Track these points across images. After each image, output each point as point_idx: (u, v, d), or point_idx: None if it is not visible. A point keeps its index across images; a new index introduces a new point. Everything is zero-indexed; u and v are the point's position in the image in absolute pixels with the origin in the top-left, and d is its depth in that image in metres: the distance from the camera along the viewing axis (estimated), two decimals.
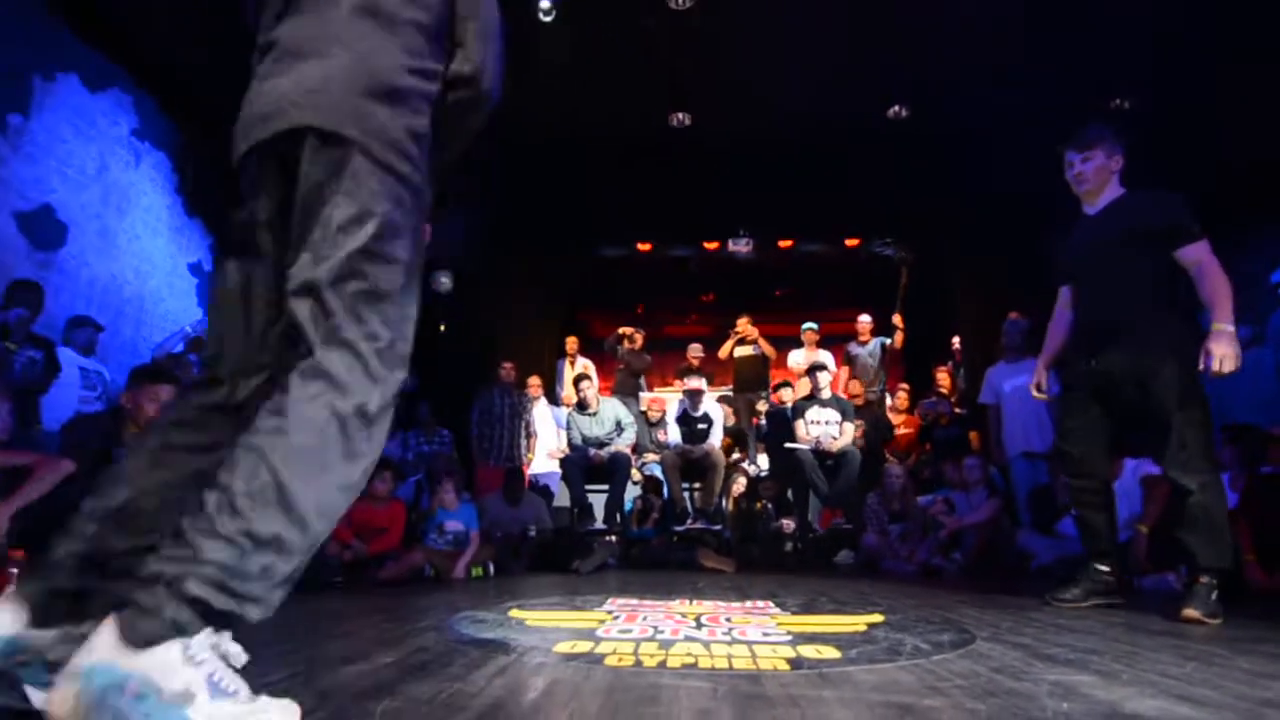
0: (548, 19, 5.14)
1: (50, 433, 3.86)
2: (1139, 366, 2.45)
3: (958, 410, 6.30)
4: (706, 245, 8.69)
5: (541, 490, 5.59)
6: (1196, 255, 2.43)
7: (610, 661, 1.57)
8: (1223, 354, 2.28)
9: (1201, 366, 2.32)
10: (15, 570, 2.18)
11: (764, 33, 5.44)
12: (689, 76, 5.98)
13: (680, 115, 6.54)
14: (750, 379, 7.45)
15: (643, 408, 7.15)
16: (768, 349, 7.43)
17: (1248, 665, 1.52)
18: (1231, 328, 2.31)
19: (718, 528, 5.06)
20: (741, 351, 7.49)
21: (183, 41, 5.67)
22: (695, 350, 7.38)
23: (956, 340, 7.28)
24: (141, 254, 5.89)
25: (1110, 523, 2.68)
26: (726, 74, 5.96)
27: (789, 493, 5.64)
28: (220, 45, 5.72)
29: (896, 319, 7.13)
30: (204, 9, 5.30)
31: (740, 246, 8.31)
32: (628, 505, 5.44)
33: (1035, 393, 3.00)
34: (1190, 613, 2.21)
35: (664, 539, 5.08)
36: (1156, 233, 2.49)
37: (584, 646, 1.75)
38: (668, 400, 6.60)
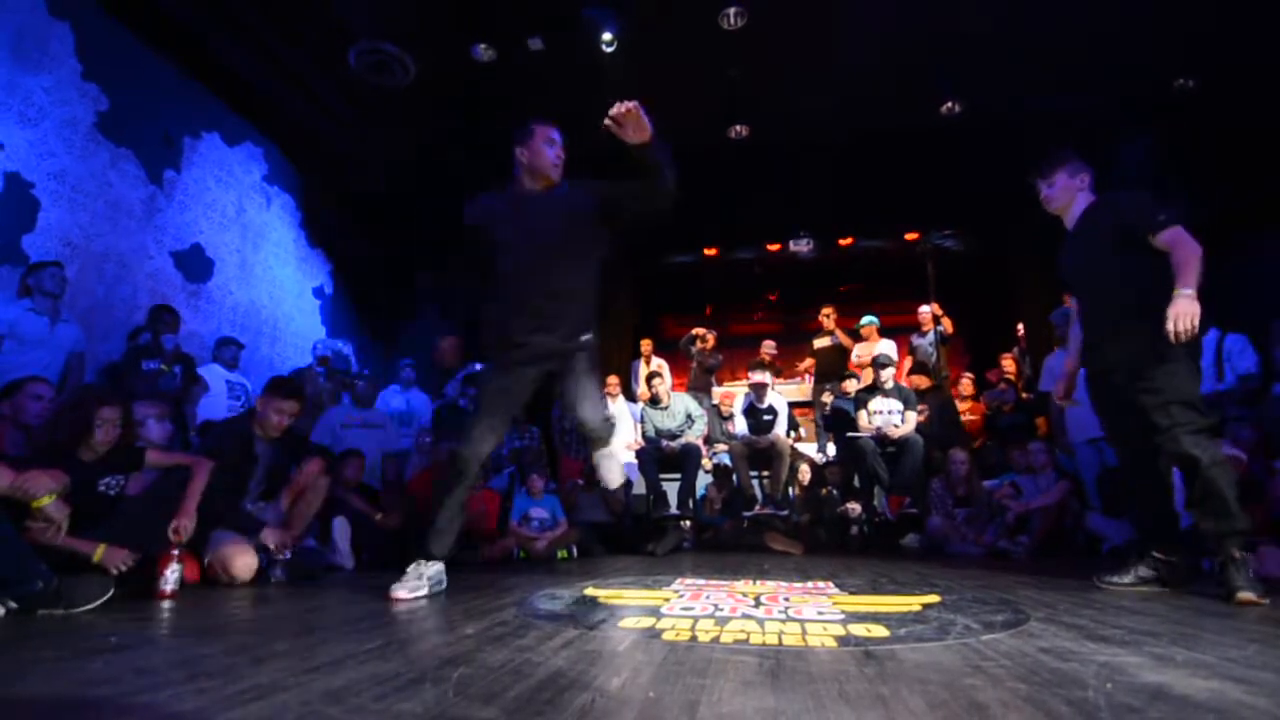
0: (610, 49, 5.19)
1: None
2: (1132, 362, 2.34)
3: (1024, 395, 5.94)
4: (769, 247, 8.55)
5: None
6: (1169, 238, 2.29)
7: (668, 636, 1.58)
8: (1177, 314, 2.13)
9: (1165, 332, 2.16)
10: (175, 551, 2.42)
11: (813, 41, 5.30)
12: (744, 90, 5.90)
13: (738, 127, 6.47)
14: (829, 369, 7.26)
15: (715, 402, 7.11)
16: (845, 340, 7.22)
17: None
18: (1190, 290, 2.15)
19: (785, 513, 4.96)
20: (820, 343, 7.33)
21: (301, 99, 6.09)
22: (768, 346, 7.26)
23: (1021, 327, 6.87)
24: (274, 281, 6.35)
25: (1164, 512, 2.47)
26: (779, 84, 5.85)
27: (855, 479, 5.47)
28: (331, 103, 6.12)
29: (935, 307, 6.78)
30: (318, 73, 5.69)
31: (801, 246, 8.13)
32: (700, 492, 5.42)
33: (1058, 400, 2.88)
34: (1245, 596, 2.01)
35: (734, 524, 5.04)
36: (1125, 228, 2.39)
37: (647, 622, 1.76)
38: (737, 394, 6.54)
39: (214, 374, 4.76)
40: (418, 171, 7.36)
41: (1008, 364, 6.33)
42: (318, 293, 6.97)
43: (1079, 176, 2.64)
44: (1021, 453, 4.74)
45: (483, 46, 5.31)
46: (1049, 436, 5.11)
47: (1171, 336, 2.14)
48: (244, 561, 2.79)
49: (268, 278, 6.26)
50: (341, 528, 3.77)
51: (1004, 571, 3.23)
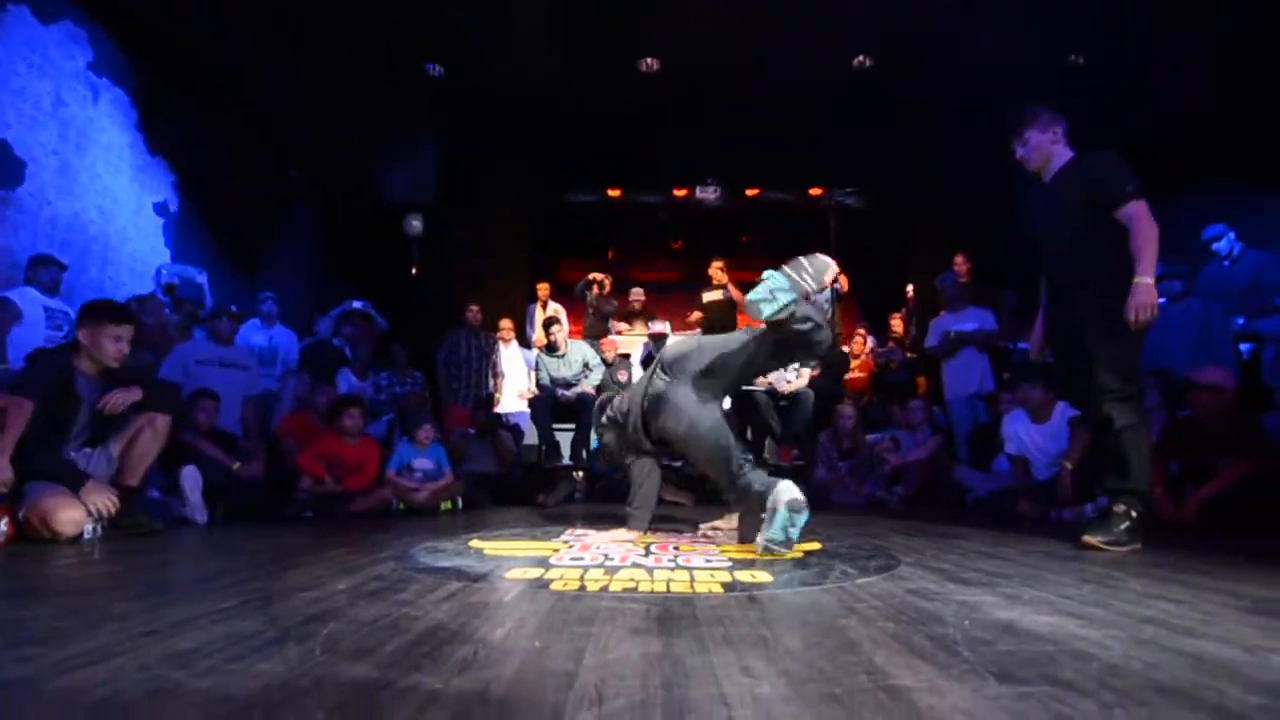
0: None
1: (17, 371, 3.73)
2: (1086, 325, 2.46)
3: (909, 354, 6.40)
4: (676, 192, 8.55)
5: (511, 429, 5.60)
6: (1128, 214, 2.38)
7: (556, 586, 1.60)
8: (1137, 305, 2.28)
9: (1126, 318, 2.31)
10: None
11: None
12: (657, 21, 5.76)
13: (649, 60, 6.33)
14: (717, 323, 7.42)
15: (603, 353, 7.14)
16: (736, 294, 7.38)
17: (1139, 587, 1.60)
18: (1148, 279, 2.28)
19: (679, 464, 5.13)
20: (710, 296, 7.45)
21: None
22: (637, 294, 7.29)
23: (910, 288, 7.34)
24: (104, 192, 5.61)
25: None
26: (693, 19, 5.74)
27: (748, 432, 5.72)
28: None
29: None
30: None
31: (708, 194, 8.20)
32: (593, 443, 5.48)
33: (1034, 357, 2.93)
34: (1088, 539, 2.28)
35: (626, 474, 5.14)
36: (1094, 196, 2.48)
37: (534, 573, 1.78)
38: (623, 344, 6.58)
39: (28, 298, 4.20)
40: (281, 66, 6.61)
41: (896, 324, 6.78)
42: (160, 209, 6.24)
43: (1051, 130, 2.65)
44: (902, 409, 5.15)
45: None
46: (929, 393, 5.56)
47: (1131, 326, 2.28)
48: (69, 515, 2.52)
49: (96, 187, 5.52)
50: (192, 477, 3.50)
51: (880, 520, 3.54)
